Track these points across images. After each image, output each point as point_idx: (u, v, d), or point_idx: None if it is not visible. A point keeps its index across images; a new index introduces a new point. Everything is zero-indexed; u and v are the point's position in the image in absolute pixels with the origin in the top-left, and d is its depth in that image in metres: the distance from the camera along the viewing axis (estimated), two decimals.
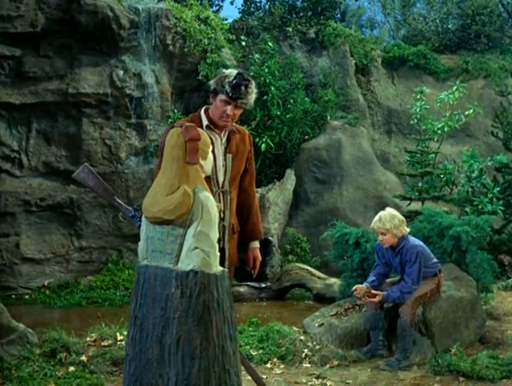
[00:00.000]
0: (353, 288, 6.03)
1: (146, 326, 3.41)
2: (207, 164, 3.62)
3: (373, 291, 5.93)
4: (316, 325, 6.53)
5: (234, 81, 4.10)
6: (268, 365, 5.95)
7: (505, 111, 11.60)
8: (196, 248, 3.36)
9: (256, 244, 4.64)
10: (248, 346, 6.18)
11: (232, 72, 4.18)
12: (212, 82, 4.23)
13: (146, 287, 3.44)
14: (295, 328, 6.66)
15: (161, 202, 3.43)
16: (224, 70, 4.32)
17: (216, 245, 3.42)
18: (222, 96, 4.15)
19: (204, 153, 3.58)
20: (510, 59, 15.95)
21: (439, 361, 5.66)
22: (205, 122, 4.25)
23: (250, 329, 6.72)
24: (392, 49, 15.90)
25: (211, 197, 3.48)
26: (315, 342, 6.22)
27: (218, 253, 3.42)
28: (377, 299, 5.87)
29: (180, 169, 3.46)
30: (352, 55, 14.72)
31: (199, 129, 3.58)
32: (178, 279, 3.35)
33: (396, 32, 19.00)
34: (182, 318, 3.32)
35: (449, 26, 17.14)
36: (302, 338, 6.29)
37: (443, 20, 17.22)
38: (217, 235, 3.44)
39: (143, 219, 3.57)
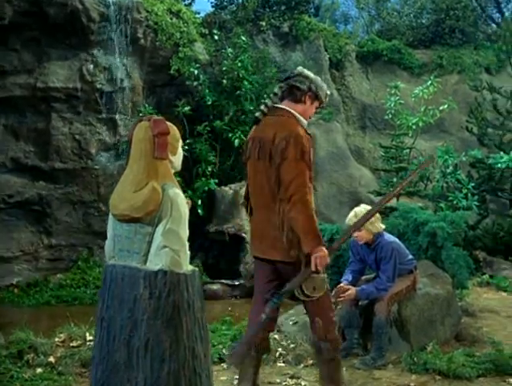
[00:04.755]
0: (338, 286, 5.93)
1: (114, 328, 3.29)
2: (177, 159, 3.51)
3: (345, 286, 5.84)
4: (291, 323, 6.40)
5: (328, 92, 4.38)
6: None
7: (479, 106, 11.61)
8: (165, 246, 3.25)
9: None
10: (221, 346, 6.06)
11: (320, 81, 4.34)
12: (312, 84, 4.28)
13: (114, 287, 3.32)
14: None
15: (128, 199, 3.31)
16: (310, 74, 4.35)
17: (187, 243, 3.31)
18: (317, 103, 4.31)
19: (174, 147, 3.46)
20: (484, 54, 16.05)
21: (415, 359, 5.58)
22: (305, 122, 4.28)
23: (223, 328, 6.61)
24: (366, 44, 15.94)
25: (181, 193, 3.37)
26: (289, 341, 6.11)
27: (188, 252, 3.31)
28: (349, 293, 5.76)
29: (149, 164, 3.34)
30: (326, 50, 14.72)
31: (168, 123, 3.46)
32: (146, 279, 3.24)
33: (370, 27, 19.01)
34: (151, 319, 3.22)
35: (423, 21, 17.22)
36: (276, 336, 6.15)
37: (418, 15, 17.30)
38: (187, 232, 3.32)
39: (110, 216, 3.45)
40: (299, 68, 4.41)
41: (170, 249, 3.25)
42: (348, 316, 5.91)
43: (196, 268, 3.38)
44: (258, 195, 4.28)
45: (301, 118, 4.23)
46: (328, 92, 4.40)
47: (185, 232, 3.31)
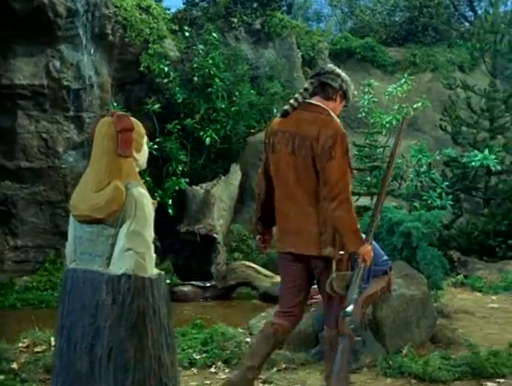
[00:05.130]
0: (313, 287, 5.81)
1: (75, 335, 3.15)
2: (142, 157, 3.37)
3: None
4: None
5: (355, 92, 4.49)
6: (212, 369, 5.73)
7: (453, 104, 11.58)
8: (128, 249, 3.11)
9: None
10: (191, 350, 5.95)
11: (349, 80, 4.39)
12: (343, 83, 4.32)
13: (74, 293, 3.18)
14: (240, 329, 6.47)
15: (90, 198, 3.16)
16: (342, 72, 4.38)
17: (152, 246, 3.16)
18: (344, 102, 4.37)
19: (139, 144, 3.32)
20: (458, 52, 16.05)
21: (390, 363, 5.51)
22: (337, 119, 4.28)
23: (194, 331, 6.48)
24: (339, 41, 15.91)
25: (146, 193, 3.22)
26: None
27: (154, 255, 3.17)
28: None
29: (111, 162, 3.19)
30: (298, 47, 14.63)
31: (132, 119, 3.31)
32: (109, 284, 3.10)
33: (343, 25, 19.01)
34: (114, 326, 3.07)
35: (396, 19, 17.26)
36: (248, 340, 6.07)
37: (391, 12, 17.35)
38: (153, 234, 3.17)
39: (71, 217, 3.29)
40: (331, 66, 4.48)
41: (134, 252, 3.11)
42: (322, 319, 5.70)
43: (162, 272, 3.24)
44: (289, 190, 4.26)
45: (333, 115, 4.25)
46: (355, 92, 4.56)
47: (150, 234, 3.17)
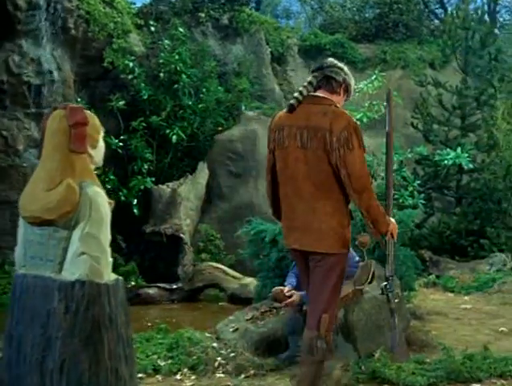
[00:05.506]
0: (276, 288, 5.65)
1: (24, 347, 2.96)
2: (97, 153, 3.15)
3: (288, 290, 5.58)
4: (231, 330, 6.14)
5: (355, 86, 4.53)
6: (178, 376, 5.57)
7: (424, 102, 11.51)
8: (82, 253, 2.92)
9: None
10: (155, 356, 5.77)
11: (350, 74, 4.40)
12: (346, 76, 4.33)
13: (24, 300, 2.98)
14: (207, 334, 6.27)
15: (40, 198, 2.94)
16: (344, 66, 4.40)
17: (109, 250, 2.96)
18: (346, 96, 4.38)
19: (94, 140, 3.10)
20: (428, 50, 16.06)
21: (363, 367, 5.37)
22: None
23: (158, 336, 6.26)
24: (309, 38, 15.86)
25: (102, 192, 3.02)
26: (229, 350, 5.83)
27: (111, 259, 2.96)
28: (293, 298, 5.49)
29: (64, 159, 2.98)
30: (267, 44, 14.59)
31: (87, 112, 3.09)
32: (61, 291, 2.92)
33: (313, 21, 18.93)
34: (67, 337, 2.89)
35: (366, 15, 17.24)
36: (215, 345, 5.91)
37: (361, 8, 17.32)
38: (109, 237, 2.97)
39: (20, 219, 3.06)
40: (332, 59, 4.45)
41: (88, 256, 2.92)
42: (292, 322, 5.65)
43: (120, 277, 3.04)
44: (297, 185, 4.23)
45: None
46: (355, 87, 4.58)
47: (106, 237, 2.98)
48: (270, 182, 4.43)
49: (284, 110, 4.28)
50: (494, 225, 10.69)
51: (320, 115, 4.12)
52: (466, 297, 8.68)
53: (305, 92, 4.20)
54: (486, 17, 13.79)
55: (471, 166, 10.66)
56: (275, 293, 5.59)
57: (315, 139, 4.10)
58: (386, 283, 4.62)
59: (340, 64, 4.36)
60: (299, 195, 4.22)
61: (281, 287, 5.64)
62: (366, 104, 11.69)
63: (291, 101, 4.22)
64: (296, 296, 5.49)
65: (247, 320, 6.18)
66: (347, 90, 4.33)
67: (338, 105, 4.22)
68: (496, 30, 15.31)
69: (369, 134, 13.71)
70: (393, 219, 4.49)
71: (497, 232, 10.49)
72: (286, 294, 5.55)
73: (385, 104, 4.75)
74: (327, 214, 4.16)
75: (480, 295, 8.78)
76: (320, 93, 4.22)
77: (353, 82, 4.40)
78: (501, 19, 21.27)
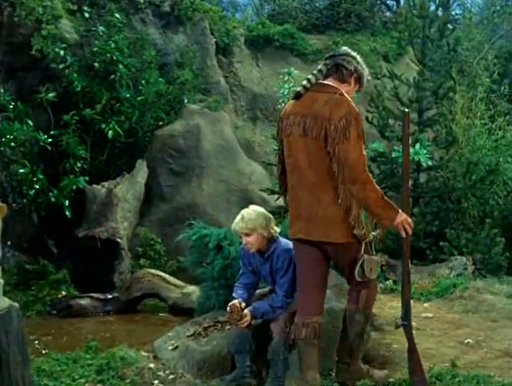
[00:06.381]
0: (230, 304, 5.25)
1: None
2: None
3: (238, 303, 5.20)
4: (170, 348, 5.80)
5: (369, 77, 4.65)
6: None
7: (380, 95, 11.19)
8: None
9: None
10: (83, 380, 5.34)
11: (363, 63, 4.58)
12: (359, 65, 4.52)
13: None
14: (143, 353, 5.89)
15: None
16: (357, 55, 4.58)
17: None
18: (357, 86, 4.57)
19: None
20: (382, 42, 16.05)
21: None
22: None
23: (87, 356, 5.82)
24: (256, 28, 15.64)
25: None
26: (168, 371, 5.50)
27: (1, 280, 2.42)
28: (247, 319, 5.18)
29: None
30: (212, 33, 14.41)
31: None
32: None
33: (260, 10, 18.72)
34: None
35: (317, 4, 17.11)
36: (152, 365, 5.55)
37: None
38: (0, 251, 2.44)
39: None
40: (345, 48, 4.61)
41: None
42: (239, 339, 5.32)
43: (16, 304, 2.49)
44: (301, 174, 4.40)
45: (347, 96, 4.41)
46: (369, 78, 4.65)
47: None
48: (281, 173, 4.65)
49: (292, 98, 4.51)
50: (454, 226, 10.47)
51: (322, 103, 4.29)
52: (426, 305, 8.41)
53: (313, 80, 4.40)
54: (440, 12, 13.70)
55: (430, 163, 10.42)
56: (231, 313, 5.20)
57: (315, 127, 4.28)
58: (402, 314, 4.83)
59: (354, 53, 4.53)
60: (303, 184, 4.39)
61: (236, 302, 5.24)
62: None
63: (298, 88, 4.45)
64: (249, 315, 5.18)
65: (188, 336, 5.84)
66: (359, 80, 4.53)
67: (346, 94, 4.37)
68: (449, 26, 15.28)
69: None
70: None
71: (456, 234, 10.27)
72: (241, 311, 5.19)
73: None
74: (330, 202, 4.31)
75: (440, 302, 8.53)
76: (328, 81, 4.41)
77: (366, 72, 4.58)
78: (452, 13, 21.50)
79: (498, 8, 19.48)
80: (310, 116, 4.30)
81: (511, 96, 13.00)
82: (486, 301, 8.00)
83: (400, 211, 4.42)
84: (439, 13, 11.87)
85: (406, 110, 4.73)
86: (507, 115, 11.77)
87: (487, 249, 10.12)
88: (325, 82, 4.40)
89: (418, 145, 10.13)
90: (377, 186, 4.32)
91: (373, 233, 4.45)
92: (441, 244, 10.26)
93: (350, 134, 4.19)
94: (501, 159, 10.95)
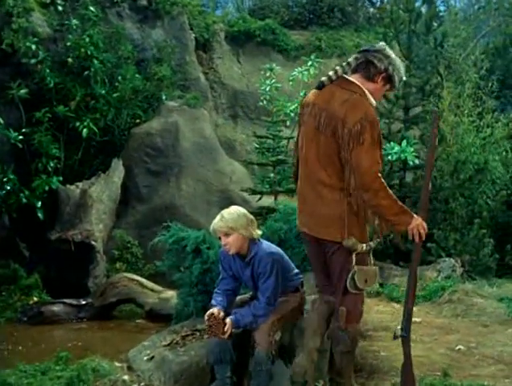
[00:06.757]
0: (208, 313, 5.04)
1: None
2: None
3: (217, 312, 4.99)
4: (145, 358, 5.60)
5: (403, 78, 4.47)
6: None
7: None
8: None
9: None
10: None
11: (400, 63, 4.41)
12: (391, 65, 4.36)
13: None
14: (117, 363, 5.74)
15: None
16: (392, 53, 4.41)
17: None
18: (390, 88, 4.45)
19: None
20: (366, 37, 16.05)
21: None
22: (373, 101, 4.34)
23: (57, 367, 5.65)
24: (237, 23, 15.67)
25: None
26: (142, 384, 5.35)
27: None
28: (228, 333, 4.97)
29: None
30: (191, 28, 14.41)
31: None
32: None
33: (241, 5, 18.78)
34: None
35: None
36: (126, 378, 5.39)
37: None
38: None
39: None
40: (382, 44, 4.47)
41: None
42: (219, 349, 5.10)
43: None
44: (309, 167, 4.42)
45: (371, 98, 4.31)
46: (404, 78, 4.51)
47: None
48: (296, 160, 4.62)
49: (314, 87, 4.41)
50: (441, 227, 10.40)
51: (340, 102, 4.21)
52: (414, 309, 8.28)
53: (340, 72, 4.29)
54: (424, 8, 13.68)
55: (416, 161, 10.31)
56: (210, 324, 4.99)
57: (329, 126, 4.22)
58: (402, 324, 4.66)
59: (389, 51, 4.37)
60: (309, 178, 4.40)
61: (214, 310, 5.03)
62: (302, 94, 11.32)
63: (322, 78, 4.31)
64: (230, 324, 4.97)
65: (165, 346, 5.66)
66: (389, 80, 4.36)
67: (373, 95, 4.29)
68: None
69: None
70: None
71: (444, 235, 10.20)
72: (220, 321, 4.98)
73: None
74: (333, 201, 4.29)
75: (429, 306, 8.42)
76: (354, 78, 4.31)
77: (399, 73, 4.40)
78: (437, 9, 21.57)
79: (483, 4, 19.48)
80: (326, 112, 4.24)
81: (499, 93, 12.93)
82: (476, 305, 7.89)
83: (415, 215, 4.32)
84: (423, 9, 11.77)
85: (436, 110, 4.74)
86: (495, 112, 11.65)
87: (475, 250, 10.11)
88: (350, 78, 4.31)
89: (404, 143, 10.03)
90: (390, 192, 4.26)
91: (371, 243, 4.44)
92: (428, 245, 10.18)
93: (364, 140, 4.11)
94: (489, 157, 10.85)
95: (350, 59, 4.36)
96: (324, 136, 4.25)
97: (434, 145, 4.38)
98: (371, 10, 19.07)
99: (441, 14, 20.26)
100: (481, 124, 11.22)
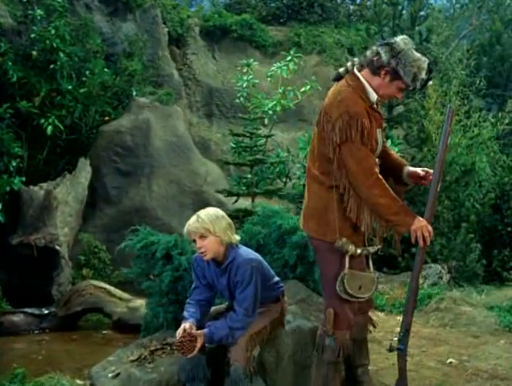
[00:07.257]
0: (179, 330, 4.73)
1: None
2: None
3: (190, 327, 4.68)
4: (110, 376, 5.25)
5: (426, 77, 4.19)
6: None
7: None
8: None
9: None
10: None
11: (423, 61, 4.16)
12: (396, 59, 4.12)
13: None
14: (78, 381, 5.55)
15: None
16: (404, 46, 4.13)
17: None
18: (403, 85, 4.19)
19: None
20: (347, 34, 16.11)
21: None
22: (374, 96, 4.20)
23: None
24: (212, 17, 15.58)
25: None
26: None
27: None
28: (199, 347, 4.65)
29: None
30: (164, 22, 14.30)
31: None
32: None
33: None
34: None
35: None
36: None
37: None
38: None
39: None
40: (403, 37, 4.27)
41: None
42: (191, 365, 4.81)
43: None
44: (309, 163, 4.44)
45: (370, 91, 4.19)
46: (424, 77, 4.18)
47: None
48: None
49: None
50: None
51: (331, 96, 4.18)
52: (399, 318, 8.05)
53: (357, 62, 4.25)
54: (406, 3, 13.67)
55: None
56: (180, 341, 4.67)
57: (319, 122, 4.21)
58: (399, 335, 4.52)
59: (400, 45, 4.12)
60: (308, 172, 4.42)
61: (186, 325, 4.74)
62: (280, 91, 11.24)
63: (340, 69, 4.30)
64: (200, 338, 4.66)
65: (132, 361, 5.33)
66: (396, 75, 4.13)
67: (377, 91, 4.15)
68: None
69: (280, 128, 13.53)
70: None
71: (430, 240, 10.03)
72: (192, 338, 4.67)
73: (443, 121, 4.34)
74: (317, 194, 4.29)
75: (415, 314, 8.09)
76: (363, 71, 4.21)
77: (413, 69, 4.12)
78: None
79: (466, 2, 19.51)
80: (322, 107, 4.22)
81: (487, 91, 12.88)
82: (465, 314, 7.79)
83: (418, 217, 4.24)
84: (406, 3, 11.72)
85: (451, 106, 4.34)
86: (482, 110, 11.55)
87: (462, 256, 10.06)
88: (356, 72, 4.20)
89: (389, 143, 9.80)
90: (388, 190, 4.15)
91: (369, 248, 4.37)
92: (413, 250, 9.94)
93: (348, 137, 4.05)
94: (476, 159, 10.71)
95: (368, 51, 4.28)
96: (318, 131, 4.25)
97: (446, 143, 4.18)
98: (351, 7, 19.16)
99: (422, 13, 20.42)
100: (468, 123, 11.10)
